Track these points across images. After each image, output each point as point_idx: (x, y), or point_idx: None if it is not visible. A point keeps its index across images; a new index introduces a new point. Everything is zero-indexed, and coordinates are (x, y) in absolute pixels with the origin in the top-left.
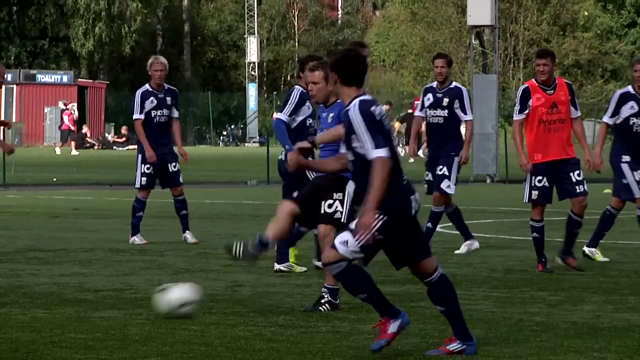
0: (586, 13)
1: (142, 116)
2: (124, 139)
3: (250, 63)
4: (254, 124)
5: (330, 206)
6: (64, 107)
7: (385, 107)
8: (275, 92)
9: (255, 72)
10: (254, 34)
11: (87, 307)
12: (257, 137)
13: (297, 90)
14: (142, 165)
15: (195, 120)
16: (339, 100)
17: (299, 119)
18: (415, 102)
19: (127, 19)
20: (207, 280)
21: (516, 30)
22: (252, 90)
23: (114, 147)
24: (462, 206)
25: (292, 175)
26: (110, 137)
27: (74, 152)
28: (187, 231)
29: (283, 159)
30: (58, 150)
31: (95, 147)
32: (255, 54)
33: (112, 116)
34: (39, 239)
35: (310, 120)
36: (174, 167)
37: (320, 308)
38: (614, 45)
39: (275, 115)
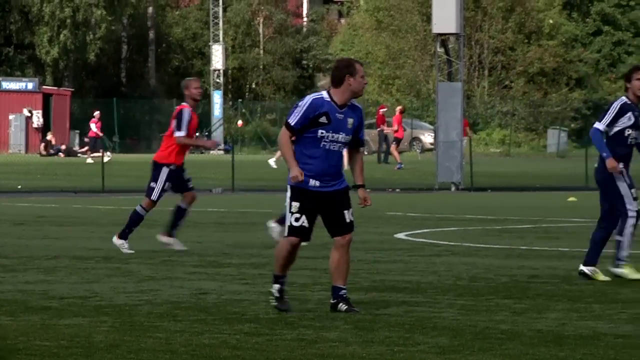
0: (551, 21)
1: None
2: (86, 148)
3: (215, 70)
4: (218, 131)
5: (352, 214)
6: (92, 115)
7: None
8: (240, 100)
9: (220, 79)
10: (219, 41)
11: (51, 315)
12: (222, 145)
13: (620, 101)
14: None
15: (160, 127)
16: None
17: (617, 129)
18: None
19: (92, 27)
20: (171, 288)
21: (481, 39)
22: (217, 97)
23: (79, 155)
24: (427, 214)
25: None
26: (76, 146)
27: (89, 160)
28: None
29: (598, 166)
30: (90, 160)
31: (61, 155)
32: (220, 62)
33: (77, 123)
34: (3, 247)
35: (630, 131)
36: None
37: (354, 309)
38: (579, 54)
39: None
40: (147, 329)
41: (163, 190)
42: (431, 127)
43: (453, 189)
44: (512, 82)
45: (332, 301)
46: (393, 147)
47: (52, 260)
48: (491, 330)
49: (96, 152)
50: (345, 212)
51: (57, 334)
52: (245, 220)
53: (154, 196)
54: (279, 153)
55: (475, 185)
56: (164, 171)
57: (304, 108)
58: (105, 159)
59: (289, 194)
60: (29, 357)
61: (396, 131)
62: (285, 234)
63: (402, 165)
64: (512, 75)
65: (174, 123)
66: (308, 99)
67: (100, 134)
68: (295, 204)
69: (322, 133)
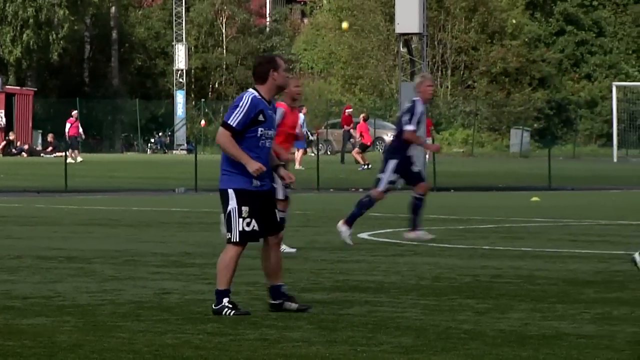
0: (514, 21)
1: None
2: (50, 148)
3: (178, 70)
4: (181, 131)
5: None
6: (70, 115)
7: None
8: (203, 100)
9: (183, 79)
10: (181, 41)
11: (14, 315)
12: (185, 145)
13: None
14: (394, 174)
15: (123, 127)
16: None
17: None
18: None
19: (55, 26)
20: (135, 288)
21: (444, 38)
22: (180, 97)
23: (42, 155)
24: (391, 214)
25: None
26: (39, 145)
27: (79, 159)
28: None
29: None
30: (79, 159)
31: (24, 155)
32: (183, 61)
33: (40, 123)
34: None
35: None
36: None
37: (305, 306)
38: (542, 54)
39: None
40: (110, 328)
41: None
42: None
43: None
44: (475, 82)
45: (275, 302)
46: (355, 151)
47: (15, 260)
48: (454, 330)
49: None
50: (276, 210)
51: (20, 333)
52: (209, 220)
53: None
54: (298, 155)
55: (438, 185)
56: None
57: (246, 107)
58: (79, 159)
59: (233, 198)
60: None
61: (362, 137)
62: (235, 240)
63: (369, 166)
64: (475, 75)
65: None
66: (247, 97)
67: (80, 134)
68: (245, 208)
69: (261, 131)
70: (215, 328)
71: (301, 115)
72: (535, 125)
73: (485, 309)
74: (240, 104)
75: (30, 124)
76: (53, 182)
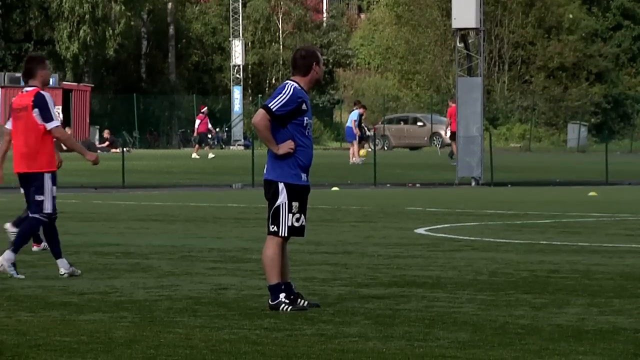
0: (571, 16)
1: None
2: (106, 143)
3: (235, 66)
4: (239, 126)
5: None
6: (199, 111)
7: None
8: (260, 95)
9: (240, 74)
10: (238, 36)
11: (71, 310)
12: (242, 140)
13: None
14: None
15: (180, 123)
16: None
17: None
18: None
19: (111, 22)
20: (191, 283)
21: (501, 33)
22: (237, 93)
23: (99, 151)
24: (447, 209)
25: None
26: (96, 141)
27: (210, 155)
28: None
29: None
30: (210, 155)
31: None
32: (240, 57)
33: (97, 119)
34: None
35: None
36: None
37: (314, 302)
38: (599, 48)
39: None
40: (167, 324)
41: None
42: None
43: (473, 183)
44: (532, 76)
45: (286, 300)
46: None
47: (73, 256)
48: (511, 325)
49: (200, 147)
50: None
51: (77, 329)
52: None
53: None
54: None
55: (495, 180)
56: None
57: (288, 96)
58: (210, 155)
59: (284, 192)
60: (48, 352)
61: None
62: (283, 234)
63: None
64: (532, 70)
65: None
66: (290, 86)
67: (209, 129)
68: (296, 204)
69: (307, 120)
70: (272, 323)
71: (355, 112)
72: (593, 120)
73: (542, 304)
74: (283, 92)
75: (88, 120)
76: (110, 178)
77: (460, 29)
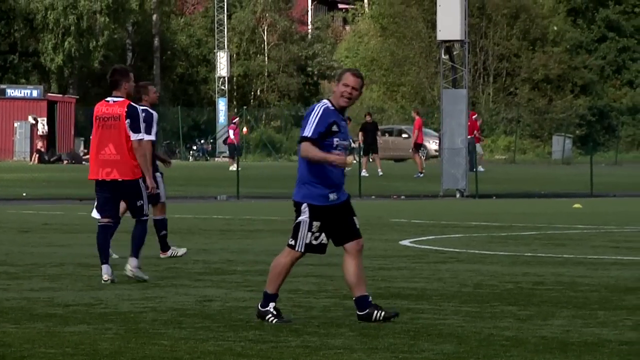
0: (556, 28)
1: None
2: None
3: (220, 77)
4: (223, 138)
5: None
6: (231, 122)
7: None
8: (245, 107)
9: (225, 86)
10: (223, 48)
11: (56, 322)
12: (227, 152)
13: None
14: None
15: (165, 134)
16: None
17: None
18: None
19: (96, 34)
20: (176, 295)
21: (486, 45)
22: (221, 104)
23: (84, 162)
24: (432, 221)
25: None
26: (81, 153)
27: (232, 167)
28: None
29: None
30: (233, 167)
31: (65, 162)
32: (225, 69)
33: (82, 131)
34: (9, 254)
35: None
36: None
37: (392, 313)
38: (584, 60)
39: None
40: (151, 336)
41: None
42: (436, 134)
43: (458, 195)
44: (517, 88)
45: (362, 313)
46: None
47: (57, 268)
48: (496, 337)
49: (233, 159)
50: (355, 218)
51: (62, 341)
52: (250, 227)
53: None
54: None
55: (480, 192)
56: None
57: (318, 117)
58: (231, 168)
59: (307, 212)
60: None
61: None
62: (300, 250)
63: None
64: (517, 82)
65: None
66: (319, 107)
67: (237, 141)
68: (317, 224)
69: (337, 141)
70: (257, 335)
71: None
72: (577, 132)
73: (527, 316)
74: (312, 114)
75: (72, 132)
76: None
77: (445, 41)
